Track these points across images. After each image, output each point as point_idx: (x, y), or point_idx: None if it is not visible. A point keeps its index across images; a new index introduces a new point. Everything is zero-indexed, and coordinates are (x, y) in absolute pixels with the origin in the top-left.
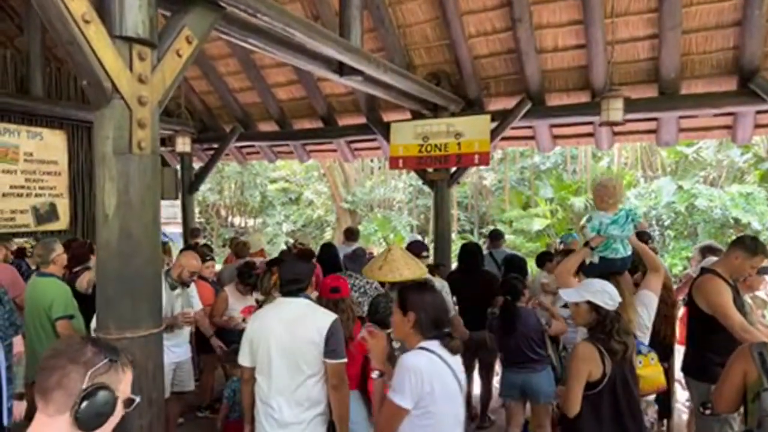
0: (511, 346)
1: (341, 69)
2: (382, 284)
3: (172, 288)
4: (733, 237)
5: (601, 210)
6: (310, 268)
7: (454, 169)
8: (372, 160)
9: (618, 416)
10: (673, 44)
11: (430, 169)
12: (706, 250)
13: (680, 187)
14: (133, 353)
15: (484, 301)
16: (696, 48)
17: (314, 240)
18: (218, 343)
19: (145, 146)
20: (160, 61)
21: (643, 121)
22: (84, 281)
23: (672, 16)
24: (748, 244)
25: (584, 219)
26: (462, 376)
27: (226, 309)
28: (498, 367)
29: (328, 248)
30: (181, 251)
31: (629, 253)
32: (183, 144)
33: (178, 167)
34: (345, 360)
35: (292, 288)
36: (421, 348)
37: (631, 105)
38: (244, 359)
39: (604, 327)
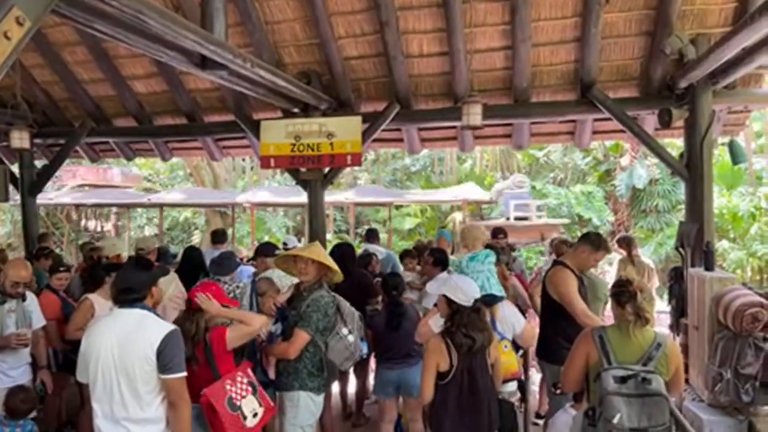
0: (393, 342)
1: (203, 62)
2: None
3: (1, 302)
4: (578, 232)
5: (464, 251)
6: (148, 277)
7: (327, 169)
8: (243, 159)
9: (460, 406)
10: (525, 56)
11: (303, 169)
12: (555, 243)
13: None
14: None
15: (359, 300)
16: (544, 60)
17: (180, 244)
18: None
19: None
20: None
21: (500, 126)
22: None
23: (522, 30)
24: (593, 239)
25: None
26: None
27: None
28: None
29: (192, 252)
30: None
31: (496, 292)
32: (20, 139)
33: (16, 166)
34: (182, 374)
35: (126, 298)
36: None
37: (488, 111)
38: (82, 375)
39: (454, 321)
